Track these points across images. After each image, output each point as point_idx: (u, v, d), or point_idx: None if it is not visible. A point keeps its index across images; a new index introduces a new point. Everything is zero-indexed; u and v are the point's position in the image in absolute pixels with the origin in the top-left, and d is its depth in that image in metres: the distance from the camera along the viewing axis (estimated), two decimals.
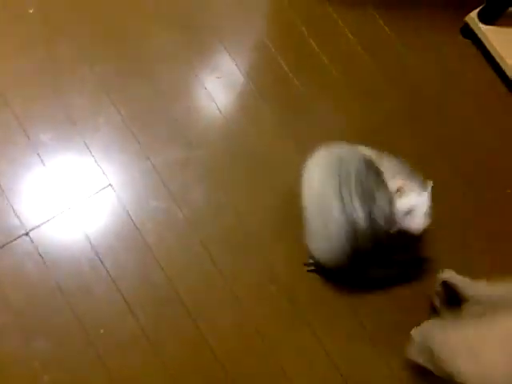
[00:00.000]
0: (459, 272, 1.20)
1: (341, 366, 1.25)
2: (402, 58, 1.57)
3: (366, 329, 1.29)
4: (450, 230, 1.38)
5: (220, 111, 1.45)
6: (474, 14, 1.55)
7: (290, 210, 1.32)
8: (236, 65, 1.49)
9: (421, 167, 1.31)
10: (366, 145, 1.27)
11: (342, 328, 1.29)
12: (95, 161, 1.36)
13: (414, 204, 1.17)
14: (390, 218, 1.14)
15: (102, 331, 1.22)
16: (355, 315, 1.29)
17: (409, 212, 1.16)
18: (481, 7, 1.53)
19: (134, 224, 1.30)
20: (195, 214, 1.33)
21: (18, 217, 1.28)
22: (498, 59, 1.54)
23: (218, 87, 1.47)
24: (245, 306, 1.27)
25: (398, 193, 1.16)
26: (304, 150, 1.26)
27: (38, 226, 1.28)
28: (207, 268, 1.28)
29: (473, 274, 1.18)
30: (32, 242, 1.26)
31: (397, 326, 1.26)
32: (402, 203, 1.16)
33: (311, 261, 1.29)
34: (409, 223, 1.17)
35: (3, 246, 1.25)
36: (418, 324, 1.20)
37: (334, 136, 1.37)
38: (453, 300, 1.19)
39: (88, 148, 1.37)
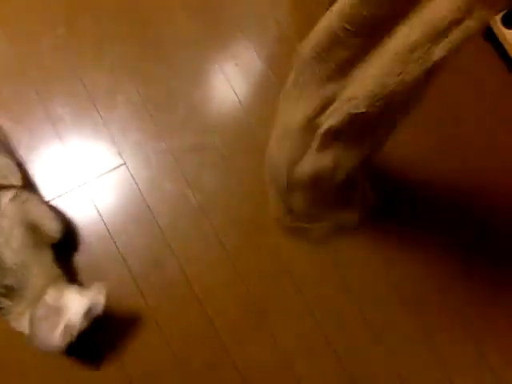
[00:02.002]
0: None
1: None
2: None
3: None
4: None
5: (238, 99, 1.45)
6: (497, 17, 1.55)
7: None
8: (256, 54, 1.49)
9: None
10: None
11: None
12: (111, 138, 1.37)
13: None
14: None
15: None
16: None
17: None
18: (504, 12, 1.53)
19: (147, 205, 1.32)
20: (207, 199, 1.34)
21: None
22: None
23: (237, 75, 1.47)
24: (251, 289, 1.30)
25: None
26: None
27: (52, 200, 1.30)
28: (217, 252, 1.31)
29: None
30: None
31: None
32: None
33: None
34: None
35: None
36: None
37: None
38: None
39: (105, 125, 1.38)
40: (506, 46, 1.55)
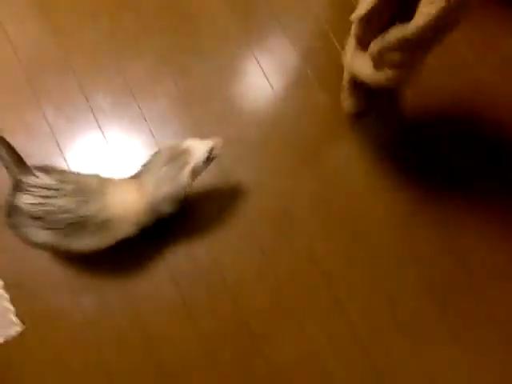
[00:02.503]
0: None
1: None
2: (464, 53, 1.54)
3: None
4: None
5: (274, 93, 1.46)
6: None
7: (334, 192, 1.36)
8: (294, 48, 1.49)
9: None
10: None
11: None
12: (150, 130, 1.39)
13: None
14: None
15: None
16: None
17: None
18: None
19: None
20: (241, 192, 1.36)
21: None
22: None
23: (274, 69, 1.48)
24: (283, 288, 1.32)
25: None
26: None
27: None
28: (247, 244, 1.33)
29: None
30: None
31: None
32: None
33: None
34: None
35: None
36: None
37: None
38: None
39: (144, 117, 1.40)
40: None
